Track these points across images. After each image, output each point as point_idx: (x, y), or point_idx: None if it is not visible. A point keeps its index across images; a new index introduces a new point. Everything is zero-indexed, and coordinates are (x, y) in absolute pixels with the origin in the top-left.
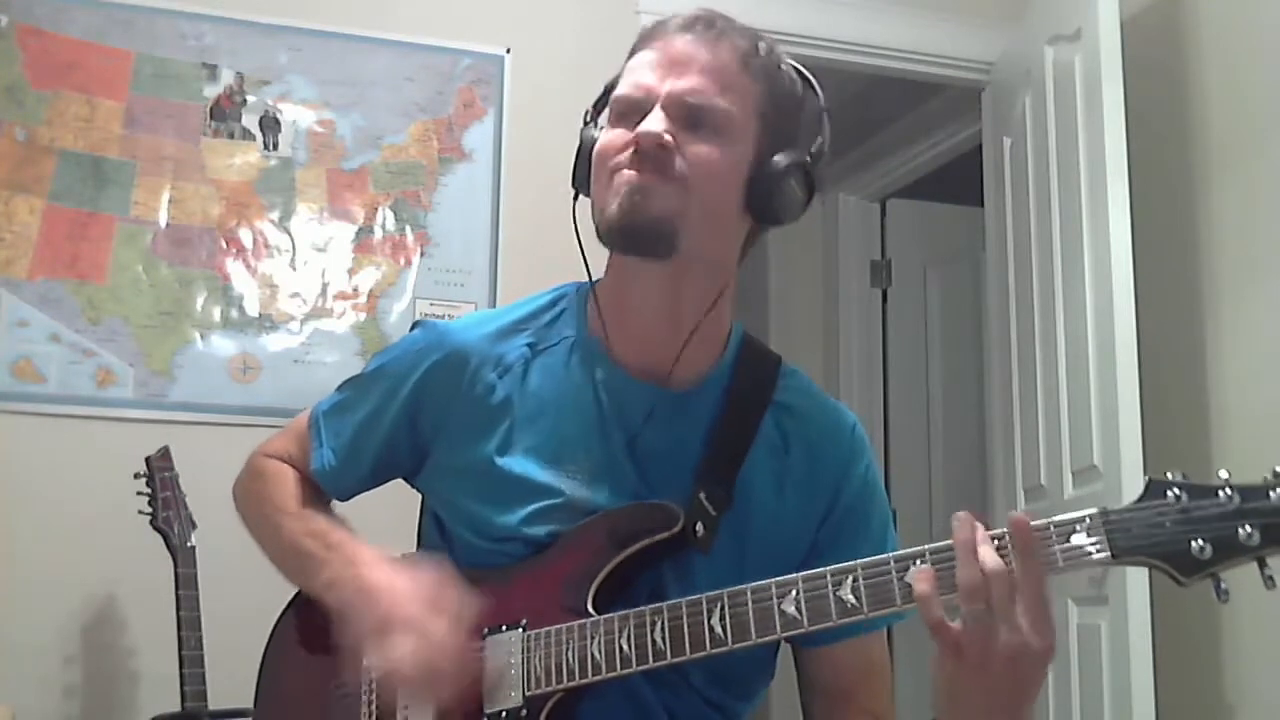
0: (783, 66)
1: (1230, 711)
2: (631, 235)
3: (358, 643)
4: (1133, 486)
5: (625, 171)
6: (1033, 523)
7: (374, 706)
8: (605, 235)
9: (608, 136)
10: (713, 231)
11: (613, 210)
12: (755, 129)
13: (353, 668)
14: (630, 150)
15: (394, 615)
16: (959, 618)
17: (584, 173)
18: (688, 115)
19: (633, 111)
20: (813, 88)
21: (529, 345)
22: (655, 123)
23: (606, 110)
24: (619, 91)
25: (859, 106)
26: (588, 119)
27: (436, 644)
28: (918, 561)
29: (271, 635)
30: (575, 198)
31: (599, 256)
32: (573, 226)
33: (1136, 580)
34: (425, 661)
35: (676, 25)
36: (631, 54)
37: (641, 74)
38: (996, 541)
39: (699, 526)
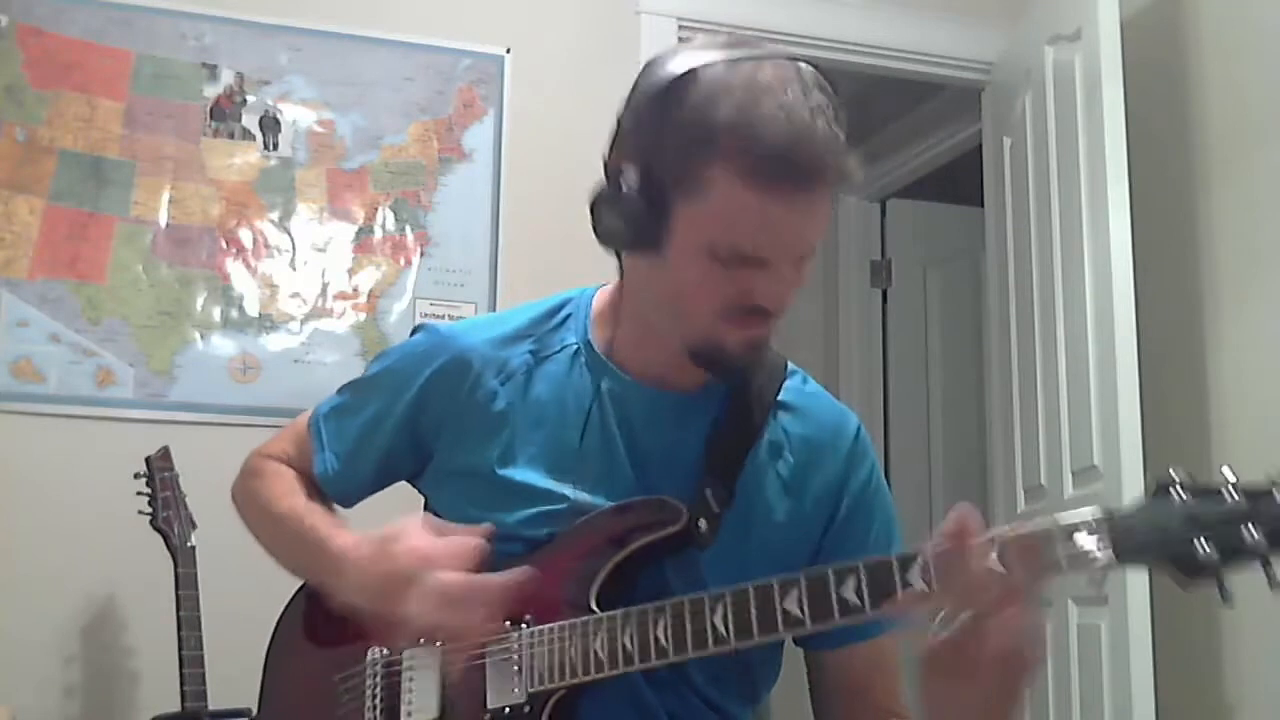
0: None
1: (1230, 711)
2: (737, 372)
3: (371, 610)
4: (1133, 486)
5: (743, 327)
6: (1034, 523)
7: (378, 699)
8: (705, 361)
9: (716, 278)
10: None
11: (727, 351)
12: None
13: (356, 659)
14: (746, 305)
15: (396, 570)
16: (946, 627)
17: (639, 245)
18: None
19: (743, 261)
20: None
21: (532, 352)
22: (785, 295)
23: (691, 232)
24: (733, 241)
25: (859, 106)
26: (627, 182)
27: (444, 583)
28: (920, 560)
29: (276, 628)
30: (619, 257)
31: (602, 257)
32: (577, 232)
33: (1136, 580)
34: (440, 598)
35: (796, 173)
36: (706, 150)
37: (765, 234)
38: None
39: (702, 523)
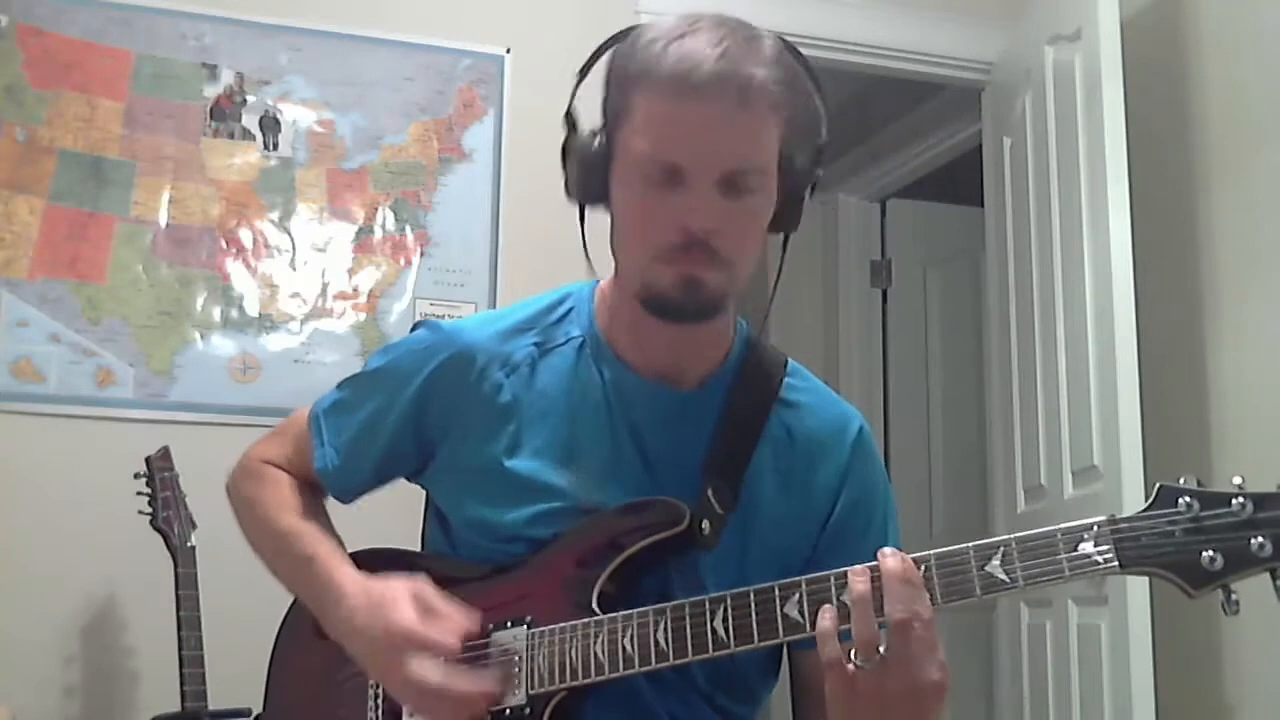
0: (798, 76)
1: (1230, 711)
2: (682, 316)
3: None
4: (1133, 487)
5: (676, 263)
6: (1038, 529)
7: (381, 698)
8: (650, 306)
9: (647, 205)
10: (747, 276)
11: (664, 291)
12: (779, 156)
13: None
14: (679, 236)
15: (382, 640)
16: (854, 661)
17: (591, 187)
18: (728, 183)
19: (669, 177)
20: (814, 80)
21: (535, 344)
22: (707, 216)
23: (624, 158)
24: (652, 152)
25: (859, 106)
26: (582, 126)
27: (427, 683)
28: (923, 567)
29: (281, 625)
30: (582, 215)
31: (601, 260)
32: (578, 230)
33: (1137, 580)
34: (416, 694)
35: (708, 78)
36: (633, 80)
37: (679, 140)
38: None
39: (705, 524)
